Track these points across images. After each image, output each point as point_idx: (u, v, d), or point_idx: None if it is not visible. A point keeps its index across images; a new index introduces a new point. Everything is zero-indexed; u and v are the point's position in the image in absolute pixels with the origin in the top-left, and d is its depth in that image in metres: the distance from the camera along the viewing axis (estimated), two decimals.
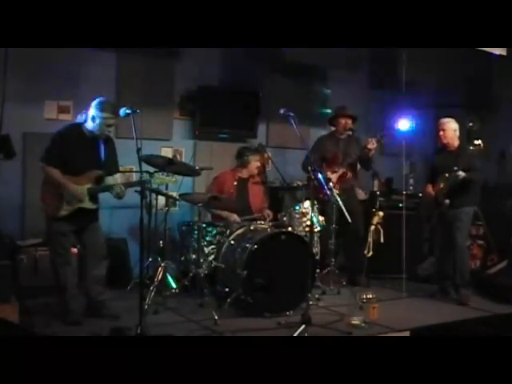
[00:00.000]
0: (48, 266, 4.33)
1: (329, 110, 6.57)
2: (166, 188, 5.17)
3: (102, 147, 4.19)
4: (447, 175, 4.91)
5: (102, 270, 4.26)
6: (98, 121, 4.06)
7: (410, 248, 6.11)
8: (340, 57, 6.59)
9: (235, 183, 5.43)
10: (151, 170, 4.47)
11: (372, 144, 5.43)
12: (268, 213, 5.40)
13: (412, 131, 7.51)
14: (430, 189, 5.13)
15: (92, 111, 4.07)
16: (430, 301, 5.15)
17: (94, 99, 4.13)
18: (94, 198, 4.15)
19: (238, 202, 5.25)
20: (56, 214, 4.03)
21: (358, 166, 5.80)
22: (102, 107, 4.05)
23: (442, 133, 5.04)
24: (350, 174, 5.66)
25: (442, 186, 4.99)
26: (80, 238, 4.23)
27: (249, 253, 4.38)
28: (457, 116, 5.42)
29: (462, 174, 4.83)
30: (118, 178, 4.34)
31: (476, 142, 4.76)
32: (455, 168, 4.82)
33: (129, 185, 4.23)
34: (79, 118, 4.22)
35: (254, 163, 5.45)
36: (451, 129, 5.04)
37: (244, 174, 5.47)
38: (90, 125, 4.10)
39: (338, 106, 5.87)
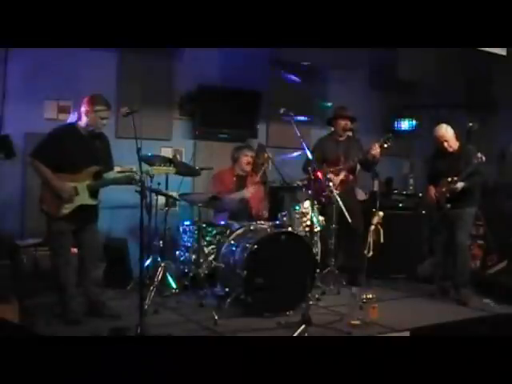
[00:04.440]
0: (48, 265, 4.33)
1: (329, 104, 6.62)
2: (166, 187, 5.17)
3: (97, 144, 4.20)
4: (449, 179, 4.93)
5: (98, 271, 4.25)
6: (91, 115, 4.07)
7: (410, 248, 6.15)
8: (340, 57, 6.60)
9: (234, 179, 5.43)
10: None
11: (376, 149, 5.39)
12: (264, 212, 5.38)
13: (412, 131, 7.57)
14: (431, 192, 5.13)
15: (84, 107, 4.09)
16: (430, 301, 5.14)
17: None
18: (94, 194, 4.15)
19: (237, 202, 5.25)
20: (58, 212, 4.02)
21: (358, 167, 5.78)
22: (94, 101, 4.08)
23: (446, 144, 5.02)
24: (351, 177, 5.65)
25: (444, 189, 5.01)
26: (77, 239, 4.22)
27: (249, 253, 4.38)
28: (456, 116, 5.42)
29: (461, 184, 4.89)
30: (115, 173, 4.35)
31: (479, 155, 4.83)
32: (455, 178, 4.87)
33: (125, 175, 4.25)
34: (72, 118, 4.22)
35: (244, 158, 5.42)
36: (452, 136, 5.05)
37: (238, 170, 5.48)
38: (83, 121, 4.11)
39: (337, 106, 5.85)
